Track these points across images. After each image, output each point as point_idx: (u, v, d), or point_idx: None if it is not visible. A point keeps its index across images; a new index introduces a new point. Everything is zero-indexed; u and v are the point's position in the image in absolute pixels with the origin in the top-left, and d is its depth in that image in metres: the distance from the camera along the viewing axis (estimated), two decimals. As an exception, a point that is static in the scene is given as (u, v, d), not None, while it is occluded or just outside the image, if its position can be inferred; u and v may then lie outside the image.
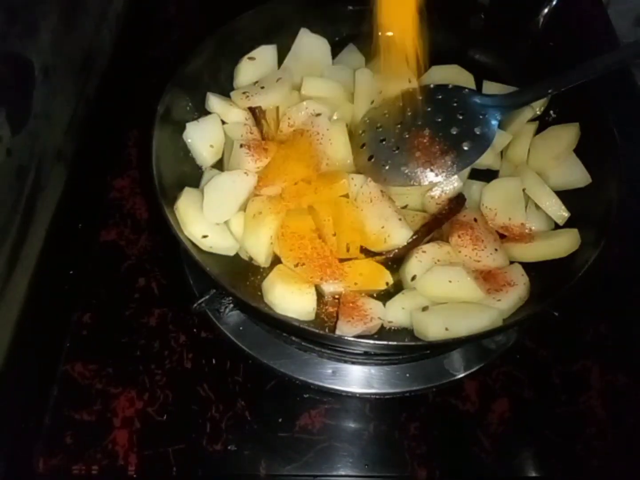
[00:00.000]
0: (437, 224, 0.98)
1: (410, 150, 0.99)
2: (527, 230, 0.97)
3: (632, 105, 1.37)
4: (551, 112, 1.09)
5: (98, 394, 0.98)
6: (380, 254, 0.97)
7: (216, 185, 0.94)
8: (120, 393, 0.98)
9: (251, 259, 0.95)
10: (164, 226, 0.88)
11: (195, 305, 0.92)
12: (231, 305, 0.97)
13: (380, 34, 0.95)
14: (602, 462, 0.95)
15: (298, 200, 0.96)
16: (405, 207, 1.02)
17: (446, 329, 0.84)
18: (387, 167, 0.99)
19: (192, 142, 1.01)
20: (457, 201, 0.98)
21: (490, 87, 1.10)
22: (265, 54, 1.08)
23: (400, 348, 0.95)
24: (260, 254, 0.92)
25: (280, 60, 1.10)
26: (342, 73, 1.09)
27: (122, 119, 1.31)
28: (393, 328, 0.91)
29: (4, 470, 0.92)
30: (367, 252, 0.97)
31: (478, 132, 0.98)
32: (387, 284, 0.92)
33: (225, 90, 1.07)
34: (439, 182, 0.99)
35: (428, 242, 0.96)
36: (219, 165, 1.03)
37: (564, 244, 0.92)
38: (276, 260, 0.94)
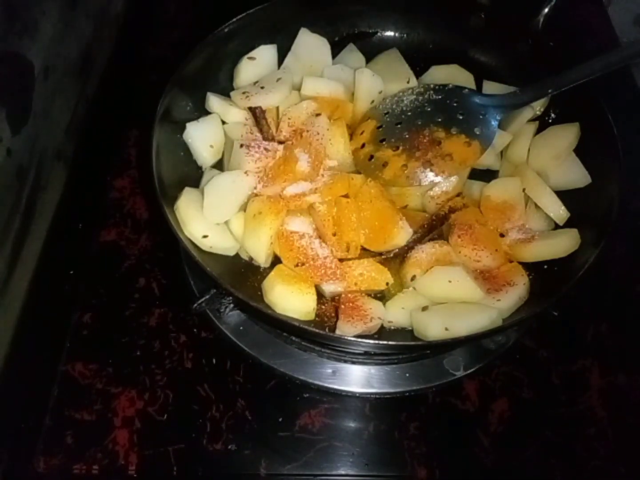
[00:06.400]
0: (437, 224, 0.98)
1: (410, 150, 0.99)
2: (527, 230, 0.97)
3: (632, 105, 1.37)
4: (551, 112, 1.09)
5: (98, 394, 0.98)
6: (380, 254, 0.97)
7: (216, 185, 0.94)
8: (121, 393, 0.98)
9: (251, 259, 0.95)
10: (164, 226, 0.88)
11: (195, 305, 0.92)
12: (231, 305, 0.97)
13: None
14: (602, 462, 0.95)
15: (298, 200, 0.96)
16: (405, 207, 1.02)
17: (446, 329, 0.84)
18: (387, 167, 0.99)
19: (192, 142, 1.01)
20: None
21: (490, 87, 1.10)
22: (265, 54, 1.08)
23: (400, 348, 0.95)
24: (260, 254, 0.92)
25: (280, 60, 1.10)
26: (342, 73, 1.09)
27: (122, 119, 1.31)
28: (393, 328, 0.91)
29: (4, 470, 0.92)
30: (367, 252, 0.97)
31: (478, 132, 0.98)
32: (387, 284, 0.92)
33: (225, 90, 1.07)
34: (439, 182, 0.99)
35: (428, 242, 0.96)
36: (219, 165, 1.03)
37: (564, 244, 0.92)
38: (276, 260, 0.94)
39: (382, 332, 0.90)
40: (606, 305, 1.11)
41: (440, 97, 1.03)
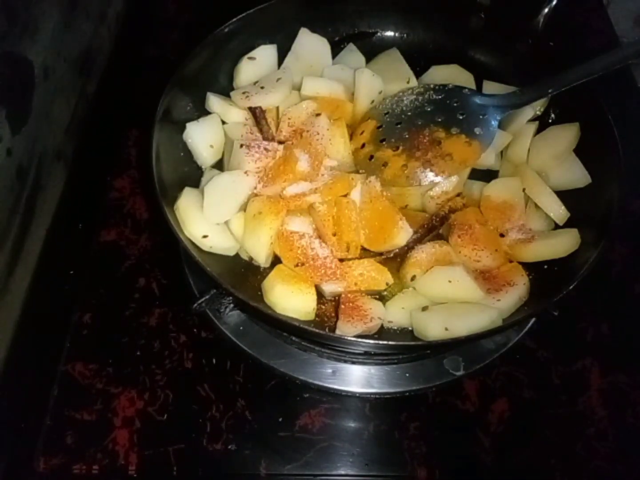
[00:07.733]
0: (437, 224, 0.98)
1: (410, 150, 0.99)
2: (527, 230, 0.97)
3: (632, 105, 1.37)
4: (551, 112, 1.09)
5: (98, 394, 0.98)
6: (380, 254, 0.97)
7: (216, 185, 0.94)
8: (121, 393, 0.98)
9: (251, 259, 0.95)
10: (164, 226, 0.88)
11: (195, 305, 0.92)
12: (231, 305, 0.97)
13: None
14: (602, 462, 0.95)
15: (298, 200, 0.96)
16: (405, 207, 1.02)
17: (446, 329, 0.84)
18: (387, 167, 0.99)
19: (192, 142, 1.01)
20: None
21: (490, 87, 1.10)
22: (265, 54, 1.08)
23: (400, 348, 0.95)
24: (260, 254, 0.92)
25: (280, 60, 1.10)
26: (342, 73, 1.09)
27: (122, 119, 1.31)
28: (393, 328, 0.91)
29: (4, 470, 0.92)
30: (367, 252, 0.97)
31: (478, 132, 0.98)
32: (387, 284, 0.92)
33: (225, 90, 1.07)
34: (439, 182, 0.99)
35: (428, 242, 0.96)
36: (219, 165, 1.03)
37: (564, 244, 0.92)
38: (276, 260, 0.94)
39: (382, 332, 0.90)
40: (606, 305, 1.10)
41: (440, 97, 1.03)
